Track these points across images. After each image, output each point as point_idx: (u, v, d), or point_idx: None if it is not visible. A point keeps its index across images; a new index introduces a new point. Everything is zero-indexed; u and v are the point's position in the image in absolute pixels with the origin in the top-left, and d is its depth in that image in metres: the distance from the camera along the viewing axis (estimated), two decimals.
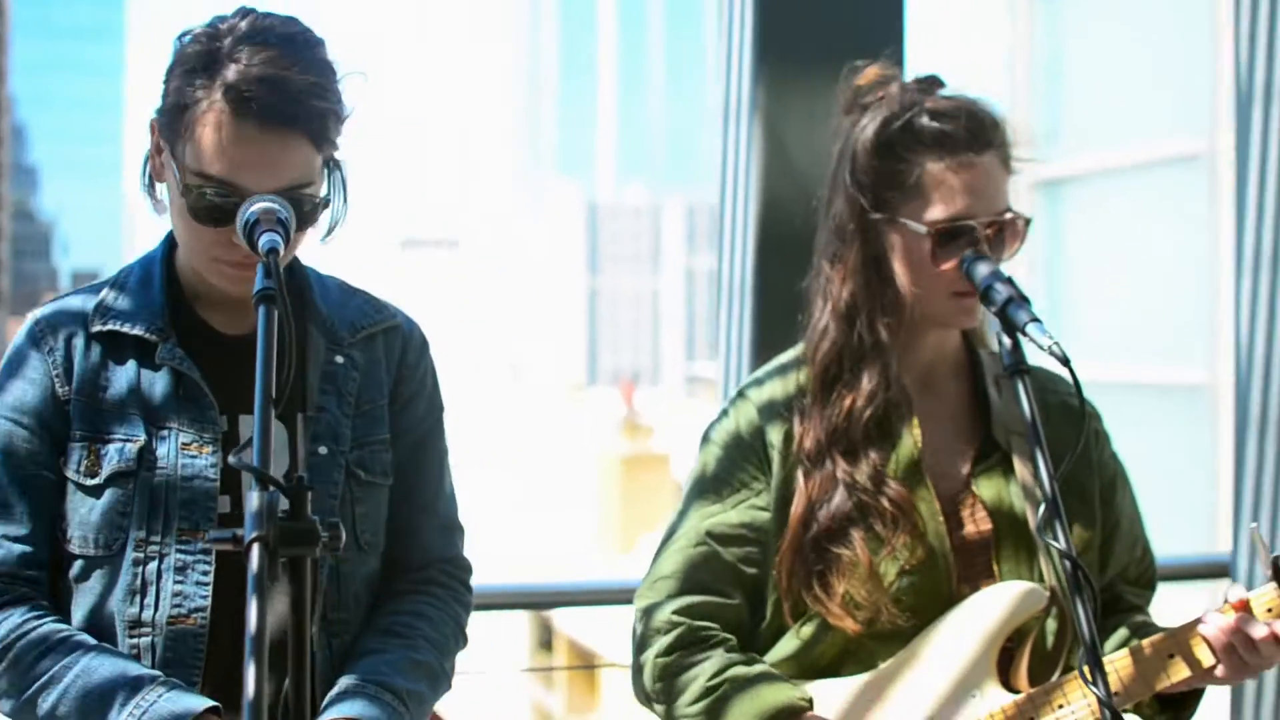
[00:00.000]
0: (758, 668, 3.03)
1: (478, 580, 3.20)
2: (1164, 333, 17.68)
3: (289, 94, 2.71)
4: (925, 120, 3.02)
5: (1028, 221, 3.09)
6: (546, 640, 41.88)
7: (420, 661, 2.93)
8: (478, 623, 3.13)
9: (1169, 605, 3.55)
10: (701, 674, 3.02)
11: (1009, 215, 3.04)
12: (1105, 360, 20.59)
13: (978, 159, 3.01)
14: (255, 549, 2.20)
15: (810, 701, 2.99)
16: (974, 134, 3.02)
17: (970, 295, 2.98)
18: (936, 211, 3.00)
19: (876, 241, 3.07)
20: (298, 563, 2.33)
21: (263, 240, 2.55)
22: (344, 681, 2.83)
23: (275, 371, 2.36)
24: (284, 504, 2.26)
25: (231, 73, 2.70)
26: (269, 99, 2.70)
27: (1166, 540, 5.35)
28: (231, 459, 2.31)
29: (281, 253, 2.53)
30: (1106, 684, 2.67)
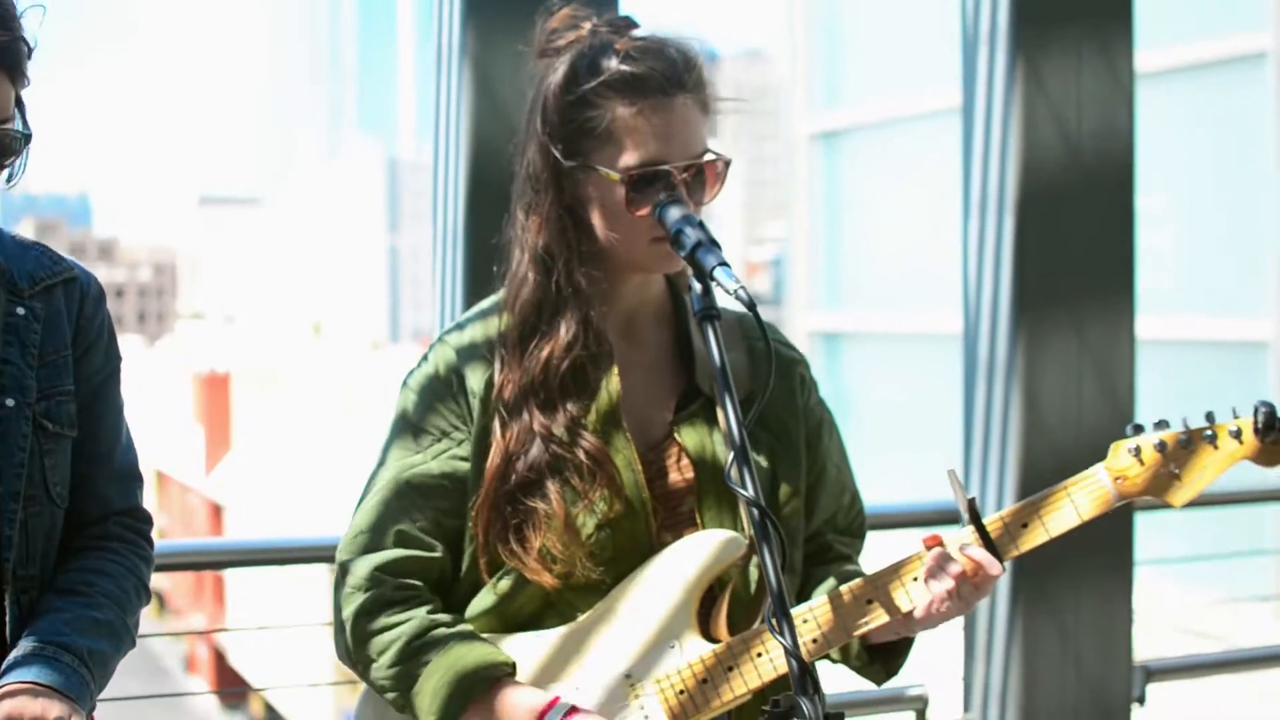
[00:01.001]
0: (459, 628, 2.96)
1: (279, 534, 3.10)
2: (940, 283, 17.84)
3: None
4: (615, 63, 2.94)
5: (728, 163, 3.02)
6: None
7: (101, 620, 2.85)
8: (280, 578, 3.05)
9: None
10: (400, 636, 2.94)
11: (707, 158, 2.97)
12: (881, 310, 20.78)
13: (669, 102, 2.94)
14: None
15: (513, 666, 2.93)
16: (665, 76, 2.94)
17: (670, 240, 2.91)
18: (629, 157, 2.93)
19: (571, 190, 3.00)
20: None
21: None
22: (23, 644, 2.75)
23: None
24: None
25: None
26: None
27: (935, 490, 5.37)
28: None
29: None
30: (793, 633, 2.61)
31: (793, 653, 2.60)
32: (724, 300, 2.78)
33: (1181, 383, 16.32)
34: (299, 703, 40.66)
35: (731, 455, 2.69)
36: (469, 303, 3.91)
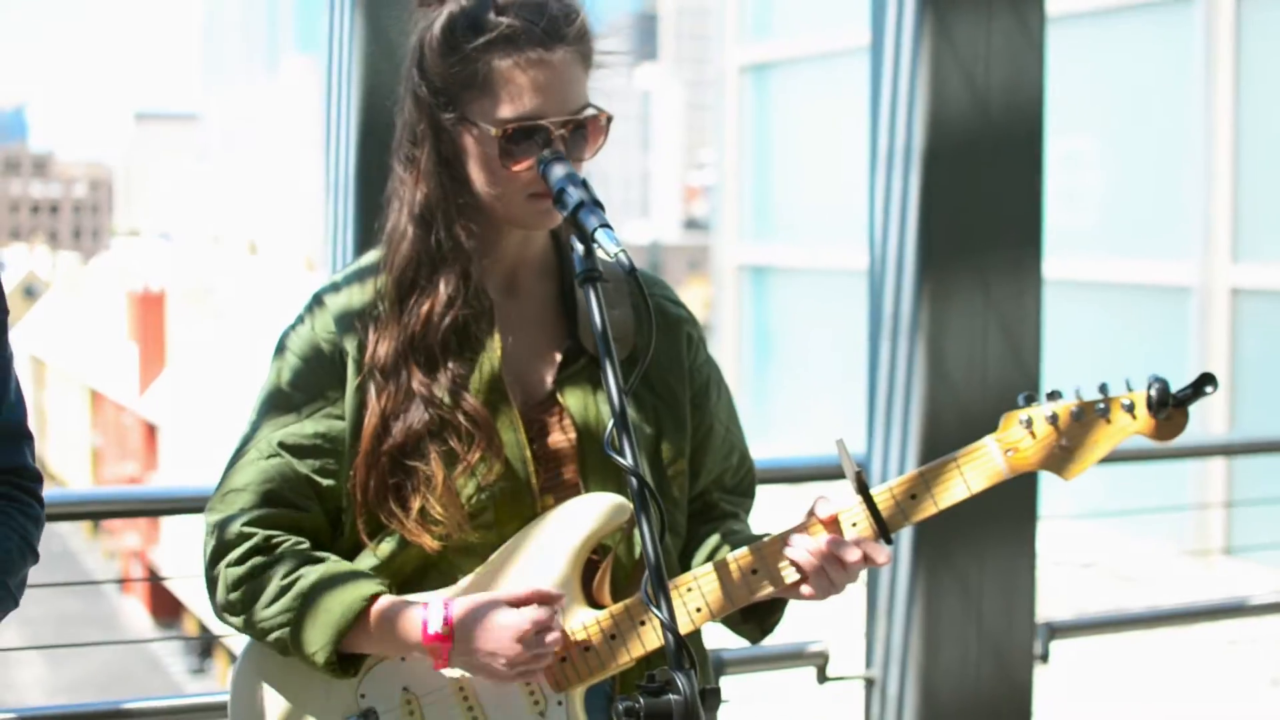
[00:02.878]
0: (333, 563, 2.93)
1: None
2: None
3: None
4: (493, 15, 2.90)
5: (609, 119, 2.97)
6: None
7: None
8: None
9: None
10: (277, 574, 2.90)
11: (587, 113, 2.93)
12: (812, 246, 20.76)
13: (548, 55, 2.89)
14: None
15: (387, 585, 2.92)
16: (545, 30, 2.89)
17: (548, 197, 2.87)
18: (506, 110, 2.88)
19: (449, 142, 2.96)
20: None
21: None
22: None
23: None
24: None
25: None
26: None
27: (854, 435, 5.36)
28: None
29: None
30: (670, 607, 2.59)
31: (669, 627, 2.58)
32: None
33: (1104, 325, 16.35)
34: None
35: (611, 422, 2.66)
36: (360, 253, 3.85)
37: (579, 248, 2.74)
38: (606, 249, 2.67)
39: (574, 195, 2.76)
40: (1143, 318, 16.01)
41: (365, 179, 3.91)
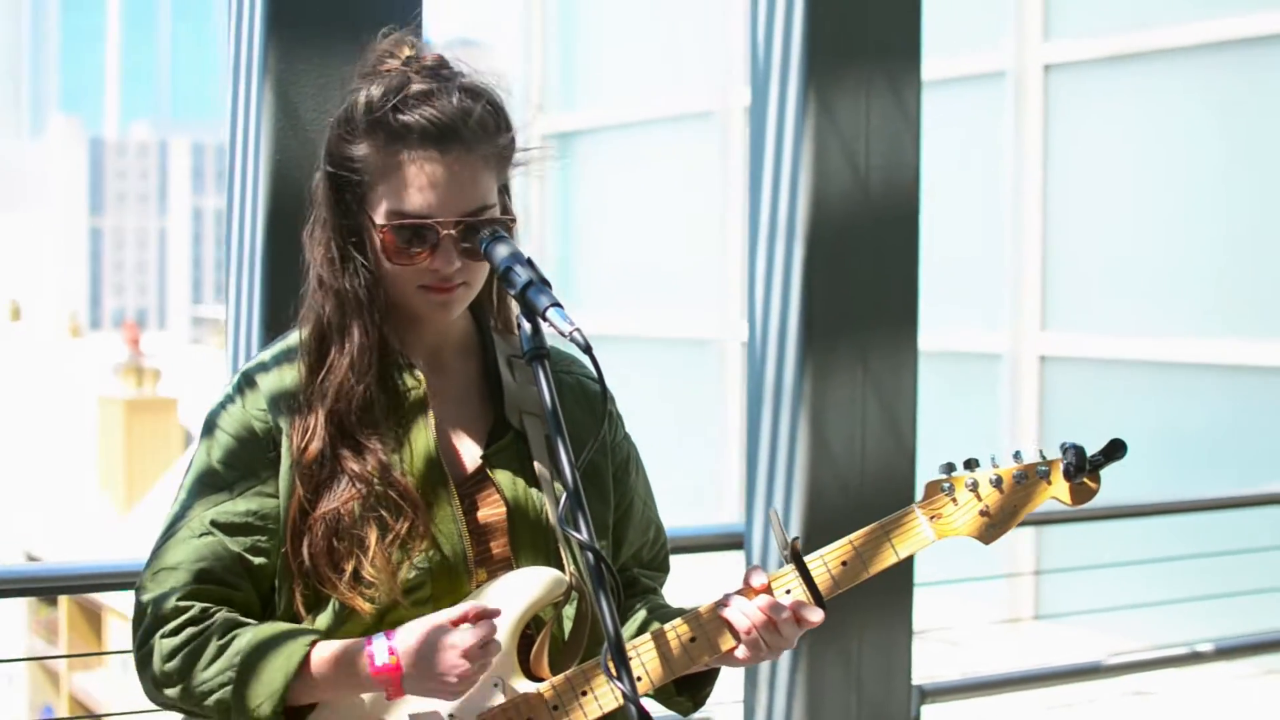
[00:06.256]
0: (266, 624, 2.92)
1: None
2: (675, 288, 17.94)
3: None
4: (403, 105, 2.88)
5: (512, 220, 2.97)
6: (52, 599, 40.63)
7: None
8: None
9: (682, 577, 3.56)
10: (213, 638, 2.88)
11: (485, 215, 2.92)
12: (615, 313, 20.83)
13: (444, 156, 2.88)
14: None
15: (321, 633, 2.91)
16: (448, 128, 2.88)
17: (440, 290, 2.91)
18: (395, 205, 2.89)
19: (351, 224, 2.96)
20: None
21: None
22: None
23: None
24: None
25: None
26: None
27: (678, 506, 5.37)
28: None
29: None
30: (631, 680, 2.65)
31: (631, 698, 2.64)
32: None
33: (921, 391, 16.56)
34: None
35: (564, 498, 2.69)
36: (266, 325, 3.81)
37: (526, 326, 2.76)
38: (560, 328, 2.69)
39: (521, 274, 2.77)
40: (956, 384, 16.24)
41: (272, 254, 3.87)
